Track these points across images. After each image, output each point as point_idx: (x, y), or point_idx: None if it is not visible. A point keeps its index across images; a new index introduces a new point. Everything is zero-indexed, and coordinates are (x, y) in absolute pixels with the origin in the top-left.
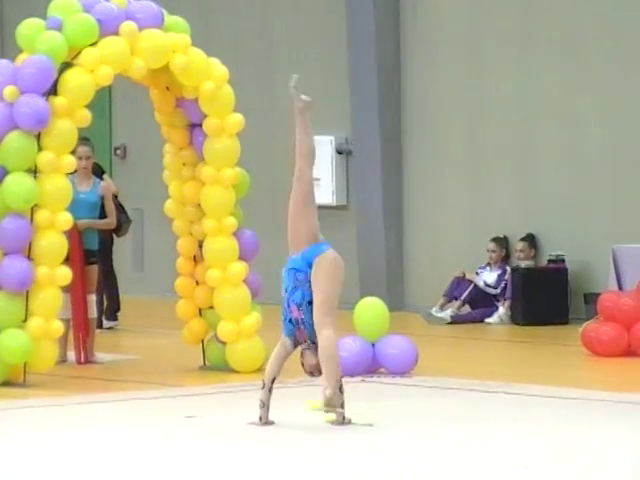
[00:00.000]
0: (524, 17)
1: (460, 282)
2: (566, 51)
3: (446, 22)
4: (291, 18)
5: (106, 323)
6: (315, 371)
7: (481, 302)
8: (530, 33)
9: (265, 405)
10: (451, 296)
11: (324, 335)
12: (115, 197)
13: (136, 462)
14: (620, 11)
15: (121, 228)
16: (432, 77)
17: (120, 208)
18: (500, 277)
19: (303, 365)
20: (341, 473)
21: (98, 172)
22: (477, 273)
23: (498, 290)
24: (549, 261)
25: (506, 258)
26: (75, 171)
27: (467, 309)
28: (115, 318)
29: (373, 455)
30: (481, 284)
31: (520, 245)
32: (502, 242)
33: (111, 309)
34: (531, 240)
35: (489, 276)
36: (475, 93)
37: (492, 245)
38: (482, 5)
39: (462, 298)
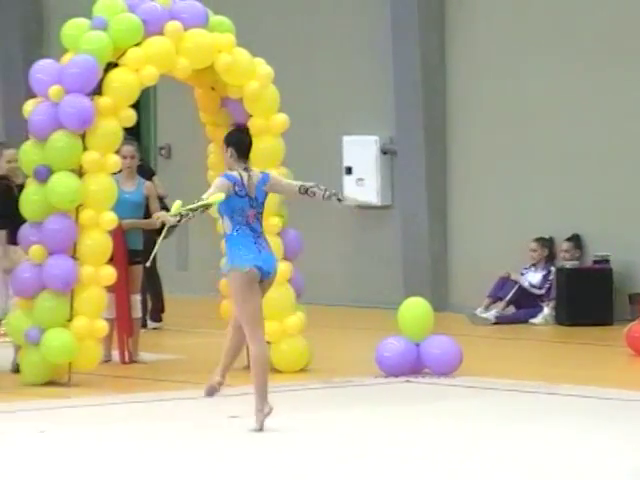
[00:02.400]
0: (572, 8)
1: (505, 282)
2: (613, 49)
3: (491, 16)
4: (334, 18)
5: (150, 324)
6: None
7: (526, 303)
8: (577, 28)
9: None
10: (496, 297)
11: (250, 353)
12: (161, 200)
13: (178, 462)
14: None
15: (166, 233)
16: (477, 74)
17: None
18: (545, 277)
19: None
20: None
21: (148, 174)
22: (522, 274)
23: (543, 290)
24: (594, 261)
25: (551, 258)
26: (120, 171)
27: (512, 310)
28: (159, 319)
29: (412, 454)
30: (526, 284)
31: (565, 245)
32: (545, 242)
33: (155, 310)
34: (576, 240)
35: (534, 276)
36: (521, 91)
37: (534, 244)
38: None
39: (507, 299)
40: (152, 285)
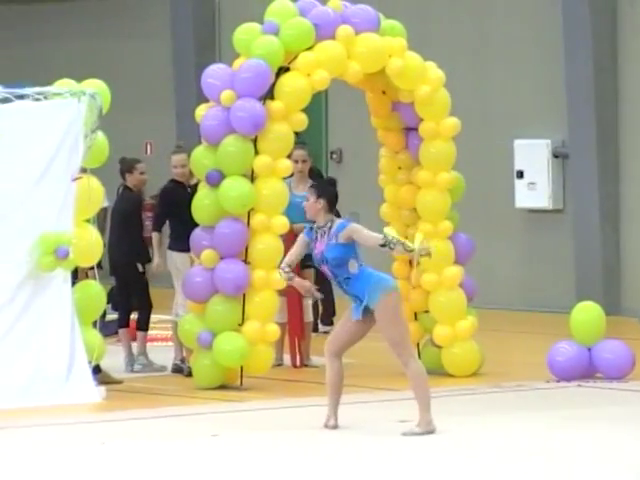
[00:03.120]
0: None
1: None
2: None
3: None
4: (505, 20)
5: (322, 327)
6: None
7: None
8: None
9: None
10: None
11: (412, 368)
12: None
13: (346, 467)
14: None
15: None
16: None
17: (337, 215)
18: None
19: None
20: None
21: (317, 177)
22: None
23: None
24: None
25: None
26: (292, 175)
27: None
28: (331, 323)
29: (585, 457)
30: None
31: None
32: None
33: (327, 314)
34: None
35: None
36: None
37: None
38: None
39: None
40: (323, 288)
